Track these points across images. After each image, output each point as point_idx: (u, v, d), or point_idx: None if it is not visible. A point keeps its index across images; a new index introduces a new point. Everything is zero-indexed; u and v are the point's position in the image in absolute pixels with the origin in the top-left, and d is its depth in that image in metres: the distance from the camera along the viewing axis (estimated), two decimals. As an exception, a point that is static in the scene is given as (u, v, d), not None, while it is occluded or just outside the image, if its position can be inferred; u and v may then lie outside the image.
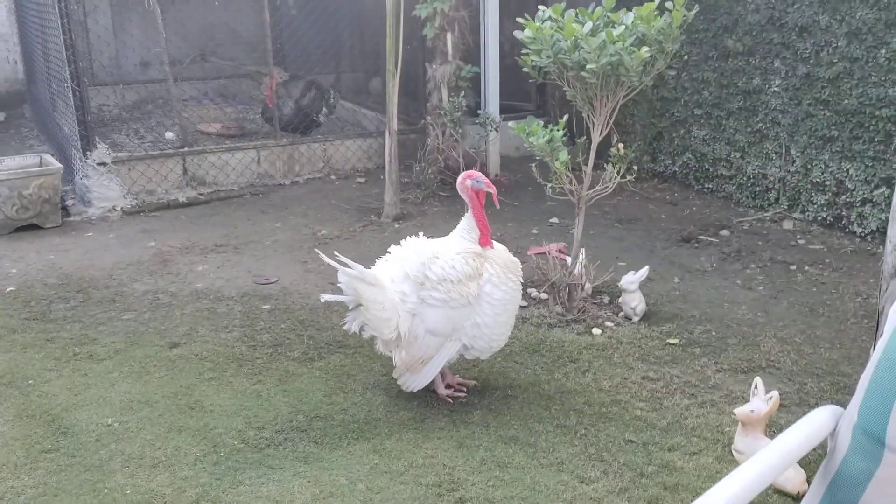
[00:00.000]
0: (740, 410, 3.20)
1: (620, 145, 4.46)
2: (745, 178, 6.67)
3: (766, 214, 6.39)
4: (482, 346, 3.61)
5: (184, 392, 3.76)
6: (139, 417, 3.55)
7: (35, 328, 4.47)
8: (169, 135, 8.10)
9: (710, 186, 7.02)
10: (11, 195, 6.00)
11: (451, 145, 6.44)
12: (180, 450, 3.31)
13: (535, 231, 6.26)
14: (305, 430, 3.45)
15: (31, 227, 6.14)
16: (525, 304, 4.89)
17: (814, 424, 1.94)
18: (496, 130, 5.68)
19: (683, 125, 7.15)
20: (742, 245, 5.79)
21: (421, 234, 3.78)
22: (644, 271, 4.70)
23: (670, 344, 4.34)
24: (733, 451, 3.26)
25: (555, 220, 6.46)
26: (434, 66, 7.10)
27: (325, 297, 3.55)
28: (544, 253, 5.59)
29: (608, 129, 4.48)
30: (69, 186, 6.97)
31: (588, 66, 4.06)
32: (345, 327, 3.61)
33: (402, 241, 3.71)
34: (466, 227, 3.64)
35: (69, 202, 6.70)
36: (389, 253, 3.68)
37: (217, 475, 3.14)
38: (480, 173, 3.69)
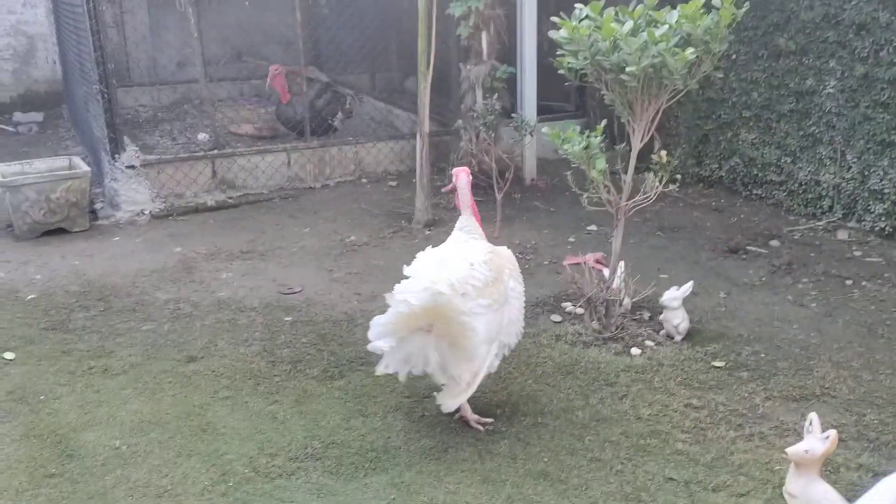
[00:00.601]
0: (793, 450, 2.90)
1: (663, 153, 4.17)
2: (796, 185, 6.30)
3: (818, 224, 6.02)
4: (512, 343, 3.57)
5: (197, 412, 3.59)
6: (148, 440, 3.38)
7: (52, 339, 4.35)
8: (202, 136, 8.00)
9: (759, 193, 6.66)
10: (39, 199, 5.93)
11: (484, 149, 6.19)
12: (188, 477, 3.13)
13: (571, 239, 5.98)
14: (320, 459, 3.24)
15: (59, 231, 6.06)
16: (559, 319, 4.64)
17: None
18: (531, 134, 5.43)
19: (731, 128, 6.79)
20: (793, 257, 5.44)
21: (429, 246, 3.68)
22: (688, 287, 4.40)
23: (715, 367, 4.04)
24: (785, 495, 2.96)
25: (593, 227, 6.17)
26: (468, 67, 6.86)
27: (376, 346, 3.15)
28: (580, 263, 5.32)
29: (650, 135, 4.19)
30: (100, 189, 6.90)
31: (628, 69, 3.78)
32: (381, 371, 3.24)
33: (417, 257, 3.51)
34: (468, 227, 3.74)
35: (98, 205, 6.62)
36: (407, 276, 3.38)
37: (224, 507, 2.96)
38: (458, 169, 3.85)
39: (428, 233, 6.12)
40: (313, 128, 7.61)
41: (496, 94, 6.43)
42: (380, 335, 3.11)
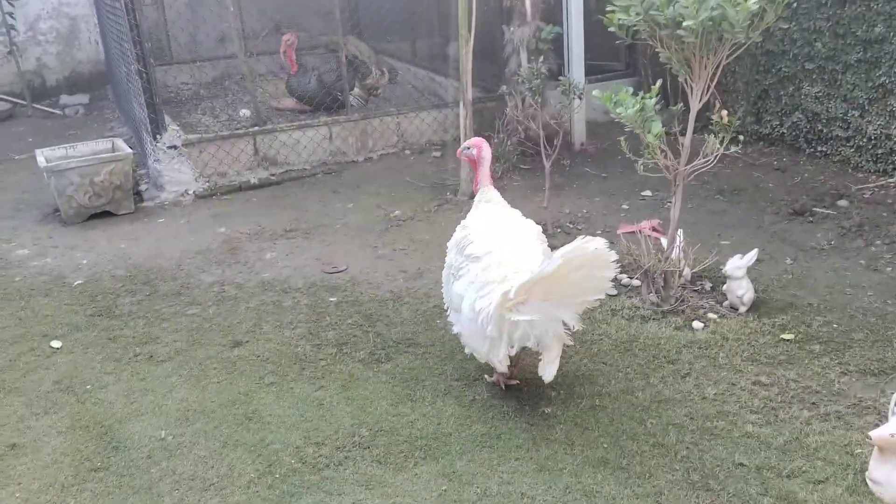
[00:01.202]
0: (878, 434, 2.66)
1: (724, 112, 3.88)
2: (865, 140, 5.90)
3: (890, 181, 5.64)
4: None
5: (242, 400, 3.50)
6: (194, 430, 3.30)
7: (99, 325, 4.31)
8: (244, 112, 7.89)
9: (824, 150, 6.28)
10: (83, 182, 5.90)
11: (530, 115, 5.94)
12: (234, 469, 3.05)
13: (625, 206, 5.72)
14: (368, 447, 3.12)
15: (105, 215, 6.04)
16: (615, 292, 4.42)
17: None
18: (580, 98, 5.17)
19: (792, 81, 6.40)
20: (864, 218, 5.10)
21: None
22: (753, 255, 4.14)
23: (785, 340, 3.79)
24: (868, 481, 2.73)
25: (648, 193, 5.90)
26: (511, 29, 6.58)
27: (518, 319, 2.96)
28: (635, 232, 5.07)
29: (709, 93, 3.91)
30: (144, 170, 6.86)
31: (685, 23, 3.50)
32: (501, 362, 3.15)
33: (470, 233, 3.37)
34: (494, 199, 3.72)
35: (143, 187, 6.58)
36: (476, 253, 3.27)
37: (271, 501, 2.86)
38: (478, 140, 3.87)
39: (474, 204, 5.91)
40: (321, 102, 7.42)
41: (542, 57, 6.14)
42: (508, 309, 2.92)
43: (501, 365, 3.22)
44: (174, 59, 10.15)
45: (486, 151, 3.76)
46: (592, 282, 3.00)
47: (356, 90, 7.80)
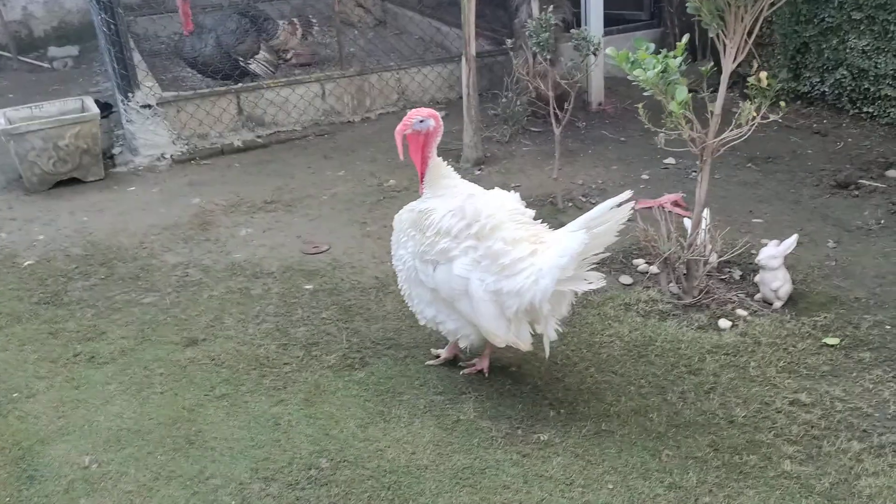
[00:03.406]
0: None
1: (763, 74, 3.24)
2: (919, 101, 5.21)
3: (949, 148, 4.97)
4: None
5: (185, 417, 2.99)
6: (124, 456, 2.80)
7: (42, 316, 3.82)
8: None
9: (871, 111, 5.58)
10: (46, 147, 5.36)
11: (539, 73, 5.29)
12: (164, 510, 2.56)
13: (645, 176, 5.10)
14: (326, 484, 2.61)
15: (73, 182, 5.51)
16: (629, 281, 3.85)
17: None
18: (594, 54, 4.51)
19: (836, 33, 5.66)
20: (919, 192, 4.47)
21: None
22: (792, 242, 3.55)
23: (828, 345, 3.22)
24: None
25: (670, 161, 5.26)
26: (522, -27, 5.88)
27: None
28: (655, 207, 4.47)
29: (745, 52, 3.27)
30: (121, 131, 6.31)
31: (720, -34, 2.85)
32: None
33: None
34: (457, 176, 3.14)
35: (116, 150, 6.04)
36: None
37: (202, 555, 2.37)
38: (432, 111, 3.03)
39: (478, 173, 5.33)
40: (221, 71, 6.32)
41: (552, 6, 5.45)
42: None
43: (527, 343, 2.91)
44: (166, 8, 9.51)
45: (441, 125, 3.04)
46: (610, 237, 2.79)
47: (261, 54, 6.61)
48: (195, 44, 6.38)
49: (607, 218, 2.71)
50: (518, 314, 2.82)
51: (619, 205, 2.70)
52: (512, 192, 3.10)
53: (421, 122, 2.94)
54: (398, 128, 2.94)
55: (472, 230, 2.86)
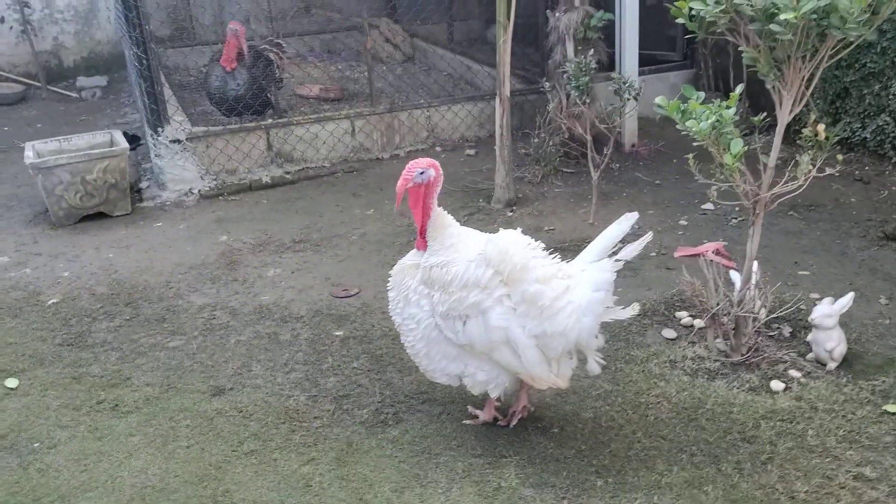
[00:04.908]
0: None
1: (821, 126, 3.10)
2: (968, 150, 5.05)
3: None
4: None
5: (212, 475, 2.85)
6: (148, 517, 2.67)
7: (66, 359, 3.71)
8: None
9: (916, 159, 5.43)
10: (74, 181, 5.31)
11: (575, 114, 5.18)
12: (190, 580, 2.41)
13: (683, 222, 4.95)
14: (361, 557, 2.46)
15: (99, 216, 5.45)
16: (673, 335, 3.69)
17: None
18: (636, 98, 4.40)
19: (878, 78, 5.53)
20: (973, 246, 4.29)
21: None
22: (847, 300, 3.38)
23: (889, 413, 3.03)
24: None
25: (709, 206, 5.11)
26: (556, 14, 5.80)
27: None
28: (697, 255, 4.33)
29: (803, 102, 3.14)
30: (149, 165, 6.26)
31: (781, 16, 2.73)
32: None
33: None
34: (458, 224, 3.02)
35: (144, 184, 5.99)
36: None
37: None
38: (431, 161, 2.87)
39: (510, 214, 5.21)
40: (252, 107, 6.31)
41: (591, 49, 5.36)
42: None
43: (567, 380, 2.90)
44: (197, 41, 9.57)
45: (440, 174, 2.91)
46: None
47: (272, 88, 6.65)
48: (229, 81, 6.31)
49: (636, 248, 2.85)
50: (562, 353, 2.78)
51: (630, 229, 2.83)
52: (518, 229, 2.95)
53: (421, 173, 2.80)
54: (399, 183, 2.79)
55: (502, 276, 2.74)
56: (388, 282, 3.04)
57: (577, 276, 2.79)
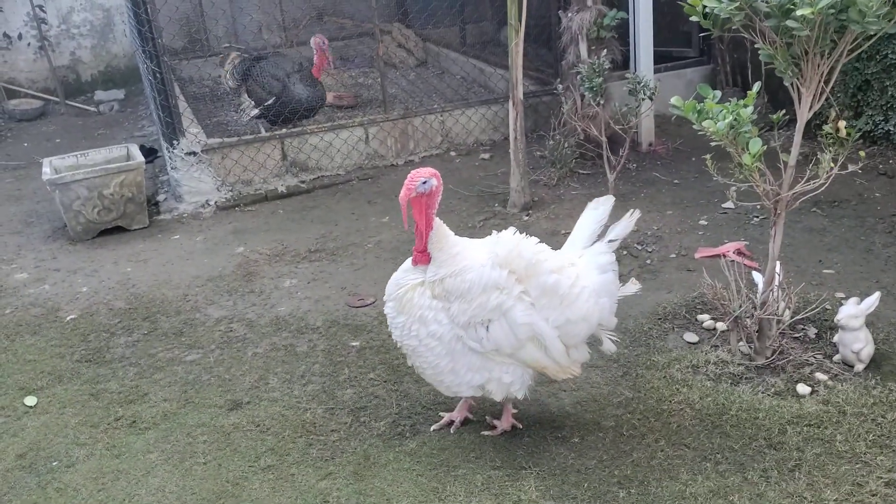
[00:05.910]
0: None
1: (842, 123, 3.03)
2: None
3: None
4: None
5: (230, 492, 2.83)
6: (166, 536, 2.65)
7: (84, 375, 3.71)
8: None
9: (942, 151, 5.31)
10: (91, 196, 5.33)
11: (589, 115, 5.12)
12: None
13: (703, 222, 4.87)
14: (380, 575, 2.42)
15: (117, 230, 5.46)
16: (695, 339, 3.62)
17: None
18: (651, 98, 4.34)
19: (902, 70, 5.43)
20: None
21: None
22: (874, 300, 3.30)
23: (920, 416, 2.95)
24: None
25: (729, 205, 5.03)
26: (569, 15, 5.74)
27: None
28: (718, 256, 4.26)
29: (822, 99, 3.06)
30: (166, 177, 6.29)
31: (798, 12, 2.67)
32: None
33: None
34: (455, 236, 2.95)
35: (161, 197, 6.00)
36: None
37: None
38: (432, 170, 2.81)
39: (526, 218, 5.16)
40: (314, 109, 6.43)
41: (604, 49, 5.30)
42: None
43: (581, 366, 3.01)
44: (211, 51, 9.60)
45: (441, 183, 2.82)
46: None
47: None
48: (319, 89, 6.46)
49: (626, 227, 2.96)
50: (584, 339, 2.90)
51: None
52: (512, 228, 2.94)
53: (424, 183, 2.73)
54: (402, 194, 2.70)
55: (516, 274, 2.77)
56: (386, 307, 2.95)
57: (578, 263, 2.90)
